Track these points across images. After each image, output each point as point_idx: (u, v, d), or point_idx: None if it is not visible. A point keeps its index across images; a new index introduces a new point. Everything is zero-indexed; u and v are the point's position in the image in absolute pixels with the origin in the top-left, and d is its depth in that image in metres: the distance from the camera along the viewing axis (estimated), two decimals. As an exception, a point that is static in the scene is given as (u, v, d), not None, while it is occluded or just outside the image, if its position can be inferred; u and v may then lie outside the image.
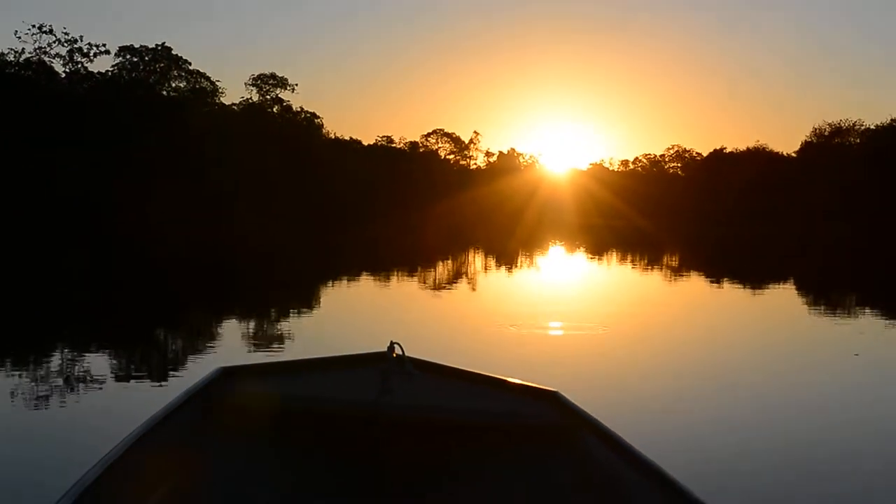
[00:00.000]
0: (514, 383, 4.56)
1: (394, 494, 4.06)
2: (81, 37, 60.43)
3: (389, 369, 4.43)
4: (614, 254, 40.88)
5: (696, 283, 25.85)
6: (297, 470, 4.17)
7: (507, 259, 34.64)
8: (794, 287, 25.37)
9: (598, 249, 43.33)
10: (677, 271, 31.07)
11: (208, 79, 67.52)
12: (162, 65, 64.80)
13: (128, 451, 3.39)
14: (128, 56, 64.19)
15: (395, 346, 4.50)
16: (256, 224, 53.93)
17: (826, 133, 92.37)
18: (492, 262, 33.76)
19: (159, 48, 64.82)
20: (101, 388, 8.67)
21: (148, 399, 7.63)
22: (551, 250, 42.90)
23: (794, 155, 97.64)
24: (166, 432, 3.81)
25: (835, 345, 13.30)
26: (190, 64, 66.17)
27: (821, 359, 12.00)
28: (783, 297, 21.79)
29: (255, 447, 4.24)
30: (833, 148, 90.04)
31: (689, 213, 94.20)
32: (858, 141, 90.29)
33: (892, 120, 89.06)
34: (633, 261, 36.74)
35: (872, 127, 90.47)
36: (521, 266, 31.67)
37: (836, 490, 6.01)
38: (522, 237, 52.76)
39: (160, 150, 56.25)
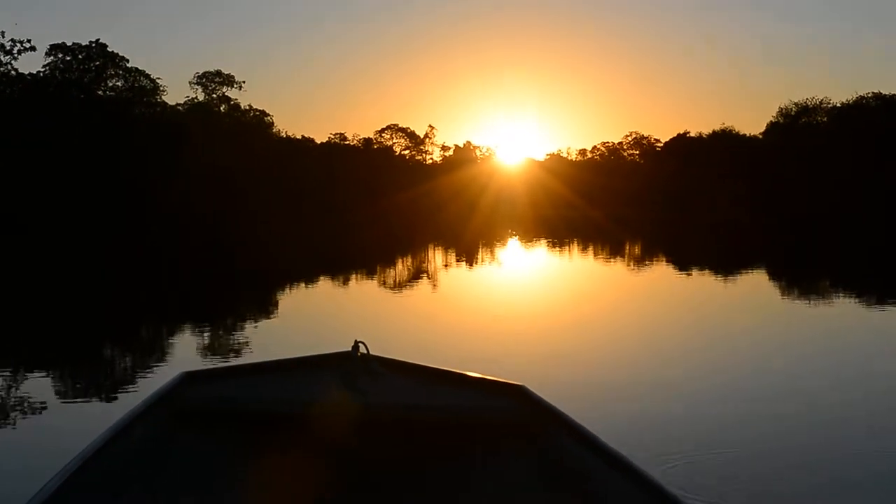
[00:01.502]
0: (480, 379, 4.62)
1: (361, 493, 3.99)
2: (3, 33, 55.59)
3: (355, 369, 4.49)
4: (568, 245, 40.85)
5: (650, 273, 25.54)
6: (263, 472, 4.09)
7: (464, 255, 33.87)
8: (759, 274, 25.20)
9: (554, 241, 43.42)
10: (629, 261, 30.83)
11: (148, 77, 62.86)
12: (97, 63, 60.00)
13: (92, 458, 3.35)
14: (60, 55, 59.42)
15: (360, 345, 4.56)
16: (208, 224, 51.18)
17: (793, 113, 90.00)
18: (450, 259, 32.75)
19: (94, 45, 60.05)
20: (62, 399, 8.74)
21: (110, 407, 7.93)
22: (507, 247, 41.72)
23: (759, 137, 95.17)
24: (131, 438, 3.79)
25: (807, 331, 13.45)
26: (128, 61, 61.48)
27: (785, 345, 12.07)
28: (745, 283, 21.72)
29: (221, 451, 4.21)
30: (800, 128, 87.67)
31: (650, 201, 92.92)
32: (826, 119, 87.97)
33: (858, 97, 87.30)
34: (583, 251, 36.83)
35: (839, 105, 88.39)
36: (476, 263, 30.49)
37: (802, 474, 6.12)
38: (478, 231, 52.54)
39: (100, 153, 51.94)
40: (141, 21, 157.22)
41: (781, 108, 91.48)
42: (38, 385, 9.43)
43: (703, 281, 22.61)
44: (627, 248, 39.64)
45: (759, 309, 16.46)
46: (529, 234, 50.12)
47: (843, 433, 7.30)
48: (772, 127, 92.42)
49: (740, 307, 16.90)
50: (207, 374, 4.71)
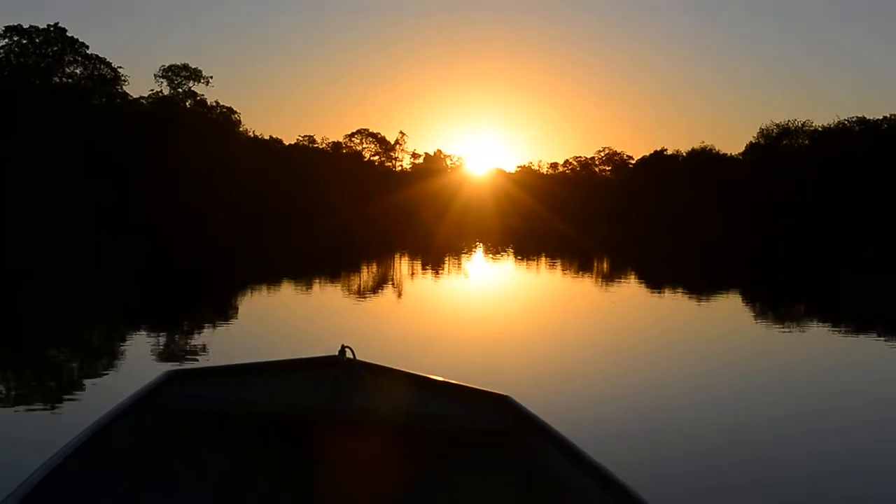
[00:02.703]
0: (465, 387, 4.63)
1: (345, 497, 3.96)
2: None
3: (341, 373, 4.47)
4: (537, 258, 40.70)
5: (621, 289, 25.49)
6: (247, 473, 4.08)
7: (439, 267, 33.02)
8: (734, 295, 25.03)
9: (524, 253, 43.29)
10: (599, 276, 30.88)
11: (109, 65, 58.80)
12: (55, 48, 56.08)
13: (73, 454, 3.31)
14: (15, 37, 55.48)
15: (347, 349, 4.53)
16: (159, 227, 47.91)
17: (774, 134, 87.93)
18: (427, 270, 31.81)
19: (52, 29, 56.16)
20: (51, 387, 9.08)
21: (92, 404, 7.69)
22: (478, 259, 40.46)
23: (738, 157, 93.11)
24: (113, 435, 3.71)
25: (769, 352, 13.43)
26: (87, 48, 57.49)
27: (755, 359, 12.43)
28: (722, 304, 21.74)
29: (204, 451, 4.17)
30: (781, 150, 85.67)
31: (620, 216, 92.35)
32: (807, 142, 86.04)
33: (839, 122, 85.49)
34: (552, 264, 36.75)
35: (820, 129, 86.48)
36: (451, 275, 29.74)
37: (776, 484, 6.51)
38: (448, 241, 52.45)
39: (55, 144, 48.31)
40: (104, 10, 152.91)
41: (762, 129, 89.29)
42: (17, 380, 9.53)
43: (672, 298, 22.92)
44: (596, 263, 39.97)
45: (726, 325, 16.89)
46: (499, 246, 50.13)
47: (821, 453, 7.50)
48: (751, 147, 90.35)
49: (709, 323, 17.30)
50: (192, 374, 4.60)
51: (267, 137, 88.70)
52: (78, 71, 57.61)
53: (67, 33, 56.64)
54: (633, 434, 7.57)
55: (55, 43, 56.17)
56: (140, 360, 10.71)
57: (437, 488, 4.11)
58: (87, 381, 9.65)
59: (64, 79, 56.87)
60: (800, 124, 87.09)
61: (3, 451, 6.60)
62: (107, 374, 9.97)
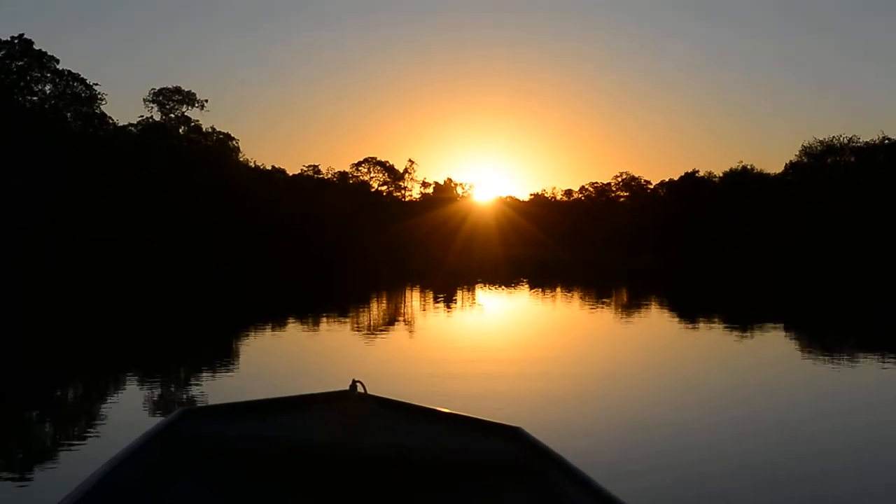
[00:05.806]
0: (476, 420, 4.59)
1: None
2: None
3: (352, 408, 4.44)
4: (552, 290, 39.56)
5: (633, 320, 24.89)
6: None
7: (454, 302, 31.78)
8: (768, 325, 23.26)
9: (539, 286, 41.75)
10: (616, 307, 29.79)
11: (83, 81, 52.00)
12: (20, 63, 49.30)
13: (88, 493, 3.31)
14: (-27, 51, 48.77)
15: (358, 384, 4.50)
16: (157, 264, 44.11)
17: (817, 151, 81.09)
18: (441, 305, 30.22)
19: (16, 42, 49.41)
20: (63, 429, 9.17)
21: (105, 442, 7.94)
22: (491, 292, 38.45)
23: (777, 177, 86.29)
24: (127, 474, 3.72)
25: (800, 384, 13.02)
26: (58, 62, 50.63)
27: (785, 392, 12.13)
28: (752, 335, 20.47)
29: (218, 488, 4.16)
30: (828, 168, 78.90)
31: (642, 244, 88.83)
32: (853, 159, 79.18)
33: (884, 138, 78.71)
34: (566, 296, 35.80)
35: (863, 145, 79.60)
36: (465, 309, 28.53)
37: None
38: (459, 274, 51.09)
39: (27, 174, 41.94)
40: (90, 33, 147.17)
41: (805, 146, 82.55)
42: (33, 421, 9.71)
43: (695, 328, 22.12)
44: (614, 294, 38.78)
45: (753, 357, 16.21)
46: (510, 277, 49.39)
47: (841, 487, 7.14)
48: (792, 167, 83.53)
49: (734, 355, 16.59)
50: (205, 412, 4.63)
51: (269, 167, 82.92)
52: (47, 89, 50.94)
53: (34, 46, 49.86)
54: (648, 466, 7.36)
55: (20, 57, 49.52)
56: (149, 399, 10.71)
57: None
58: (97, 421, 9.51)
59: (30, 97, 50.01)
60: (845, 140, 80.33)
61: (21, 488, 6.53)
62: (113, 413, 9.81)
